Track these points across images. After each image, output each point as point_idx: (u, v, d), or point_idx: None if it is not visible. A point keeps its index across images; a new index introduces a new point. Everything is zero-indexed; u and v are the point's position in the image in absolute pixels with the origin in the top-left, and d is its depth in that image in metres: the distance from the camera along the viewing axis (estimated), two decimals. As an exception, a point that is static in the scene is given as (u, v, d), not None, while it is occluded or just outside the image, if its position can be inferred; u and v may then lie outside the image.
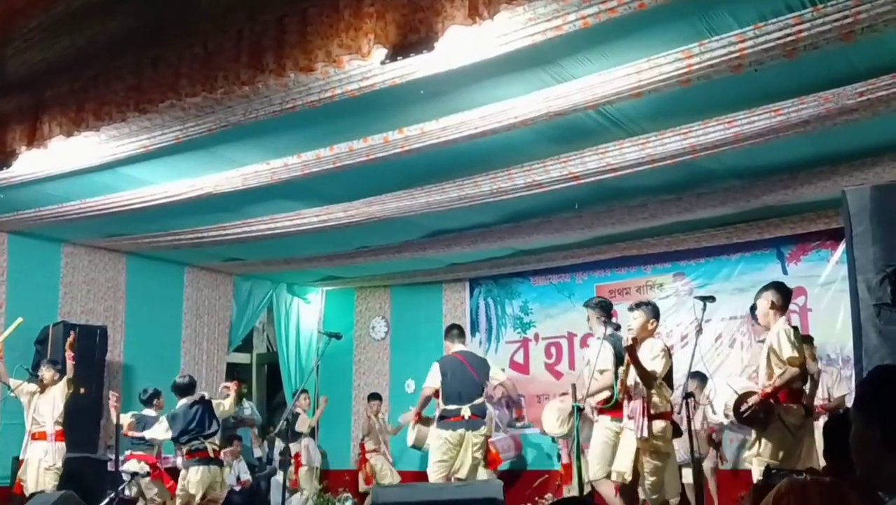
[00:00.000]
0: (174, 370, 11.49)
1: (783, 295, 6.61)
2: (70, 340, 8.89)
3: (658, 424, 6.67)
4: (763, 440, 6.38)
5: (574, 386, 7.21)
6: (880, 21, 4.95)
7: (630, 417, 6.76)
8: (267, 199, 8.45)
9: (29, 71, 6.48)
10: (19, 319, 8.84)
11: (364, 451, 11.64)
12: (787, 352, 6.25)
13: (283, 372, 13.35)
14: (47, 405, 8.83)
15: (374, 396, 11.99)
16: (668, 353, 6.92)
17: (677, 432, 6.95)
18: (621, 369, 6.83)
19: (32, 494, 8.42)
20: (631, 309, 7.04)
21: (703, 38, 5.28)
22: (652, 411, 6.67)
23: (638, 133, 6.86)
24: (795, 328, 6.61)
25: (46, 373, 8.91)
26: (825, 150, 7.22)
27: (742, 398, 6.43)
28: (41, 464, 8.70)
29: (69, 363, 8.84)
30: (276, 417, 12.50)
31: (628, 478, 6.70)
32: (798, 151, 7.23)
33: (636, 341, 6.74)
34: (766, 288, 6.69)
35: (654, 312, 7.00)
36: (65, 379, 8.84)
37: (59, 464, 8.76)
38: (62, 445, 8.83)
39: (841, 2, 4.84)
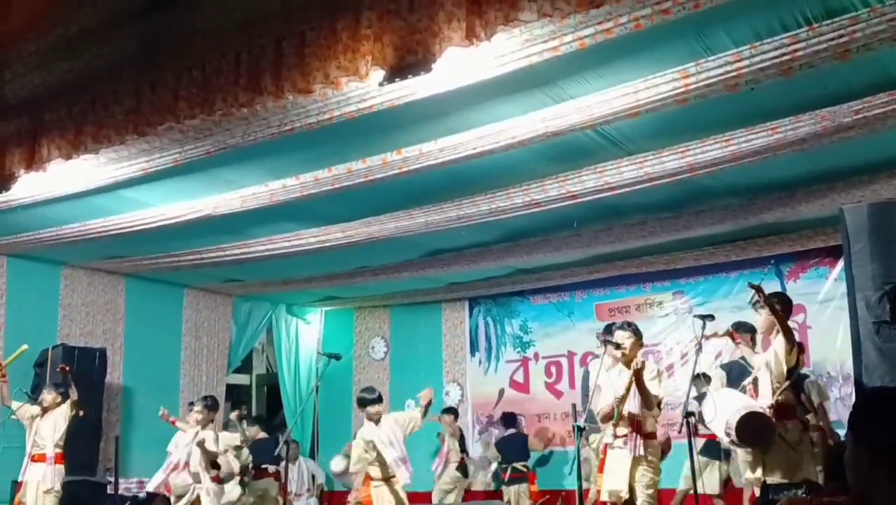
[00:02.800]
0: (174, 392, 11.50)
1: (783, 304, 6.58)
2: (63, 368, 8.88)
3: (650, 443, 6.73)
4: (766, 460, 6.36)
5: (574, 406, 7.18)
6: (875, 40, 4.97)
7: (621, 437, 6.77)
8: (266, 220, 8.46)
9: (28, 95, 6.51)
10: (24, 347, 8.79)
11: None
12: (784, 365, 6.26)
13: (282, 393, 13.31)
14: (48, 428, 8.79)
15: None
16: (660, 373, 6.99)
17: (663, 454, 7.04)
18: (617, 396, 6.80)
19: None
20: (621, 328, 7.03)
21: (700, 57, 5.31)
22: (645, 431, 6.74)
23: (636, 152, 6.88)
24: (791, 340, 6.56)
25: (48, 396, 8.87)
26: (822, 167, 7.25)
27: (746, 418, 6.39)
28: (40, 486, 8.66)
29: (72, 387, 8.82)
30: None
31: (624, 496, 6.69)
32: (795, 169, 7.25)
33: (630, 362, 6.74)
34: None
35: (640, 333, 7.05)
36: (69, 402, 8.82)
37: (59, 487, 8.72)
38: (61, 467, 8.78)
39: (836, 20, 4.87)
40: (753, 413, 6.34)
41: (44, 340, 9.85)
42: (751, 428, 6.36)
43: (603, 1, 4.35)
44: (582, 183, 7.37)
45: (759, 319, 6.68)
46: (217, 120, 5.87)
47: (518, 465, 10.44)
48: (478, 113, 6.09)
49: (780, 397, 6.37)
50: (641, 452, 6.67)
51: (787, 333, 6.32)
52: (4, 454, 9.32)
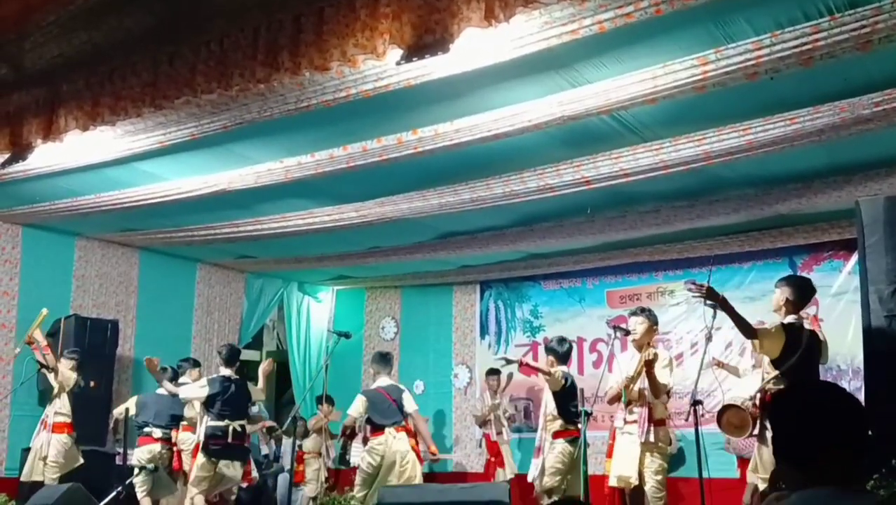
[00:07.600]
0: (184, 366, 11.55)
1: (799, 290, 6.38)
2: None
3: (660, 430, 6.74)
4: (761, 452, 6.35)
5: (582, 390, 7.19)
6: (898, 31, 4.93)
7: (631, 422, 6.78)
8: (280, 197, 8.47)
9: (46, 65, 6.52)
10: (44, 311, 8.87)
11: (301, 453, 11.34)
12: (767, 356, 6.21)
13: (292, 370, 13.37)
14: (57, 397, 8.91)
15: (328, 400, 10.97)
16: (671, 361, 6.97)
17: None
18: (627, 377, 6.81)
19: (35, 484, 8.42)
20: (634, 314, 7.03)
21: (720, 44, 5.28)
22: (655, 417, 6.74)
23: (652, 139, 6.85)
24: (796, 327, 6.29)
25: (65, 364, 8.99)
26: (839, 159, 7.20)
27: (725, 409, 6.42)
28: (37, 454, 8.73)
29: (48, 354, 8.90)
30: (284, 415, 12.50)
31: (634, 482, 6.71)
32: (812, 160, 7.21)
33: (642, 347, 6.75)
34: (781, 281, 6.57)
35: (655, 318, 7.02)
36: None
37: (56, 456, 8.74)
38: (61, 437, 8.82)
39: (858, 11, 4.83)
40: (728, 406, 6.39)
41: (57, 310, 9.91)
42: (722, 420, 6.42)
43: (623, -15, 4.33)
44: (597, 169, 7.35)
45: (774, 302, 6.56)
46: (234, 95, 5.87)
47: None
48: (494, 95, 6.08)
49: (766, 387, 6.29)
50: (651, 438, 6.68)
51: (739, 326, 6.18)
52: (15, 422, 9.42)
